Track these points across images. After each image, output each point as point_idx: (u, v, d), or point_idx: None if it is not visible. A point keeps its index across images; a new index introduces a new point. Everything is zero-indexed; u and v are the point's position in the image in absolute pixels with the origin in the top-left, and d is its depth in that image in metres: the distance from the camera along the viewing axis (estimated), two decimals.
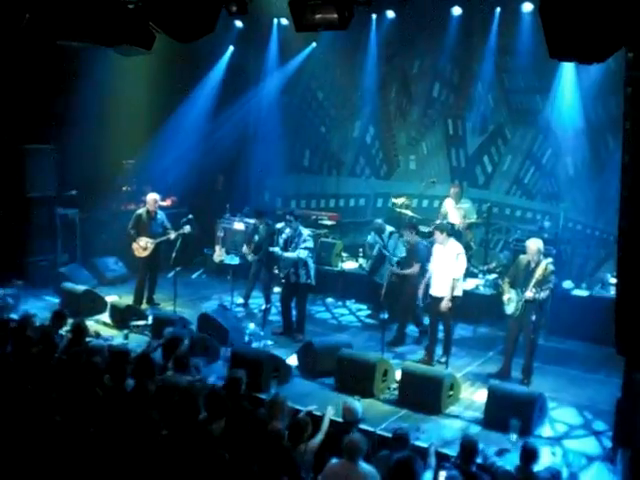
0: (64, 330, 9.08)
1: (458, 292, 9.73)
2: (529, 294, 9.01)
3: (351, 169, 15.70)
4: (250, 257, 12.06)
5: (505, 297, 9.31)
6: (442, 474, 6.07)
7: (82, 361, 7.42)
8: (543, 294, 9.01)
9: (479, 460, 6.43)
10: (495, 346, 10.53)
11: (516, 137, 13.77)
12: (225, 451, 5.85)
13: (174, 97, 14.62)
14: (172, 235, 11.84)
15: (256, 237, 12.08)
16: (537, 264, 9.10)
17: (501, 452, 7.18)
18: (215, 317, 10.41)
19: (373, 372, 8.78)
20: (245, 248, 12.20)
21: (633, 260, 6.62)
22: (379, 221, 11.94)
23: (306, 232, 10.88)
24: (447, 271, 9.65)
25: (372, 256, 11.86)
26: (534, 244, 9.19)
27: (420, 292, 10.06)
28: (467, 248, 12.12)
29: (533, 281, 9.02)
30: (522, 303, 9.09)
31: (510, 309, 9.25)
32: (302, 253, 10.59)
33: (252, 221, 12.88)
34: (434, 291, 9.84)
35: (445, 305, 9.57)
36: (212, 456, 5.78)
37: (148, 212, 11.98)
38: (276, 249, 10.82)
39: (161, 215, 12.13)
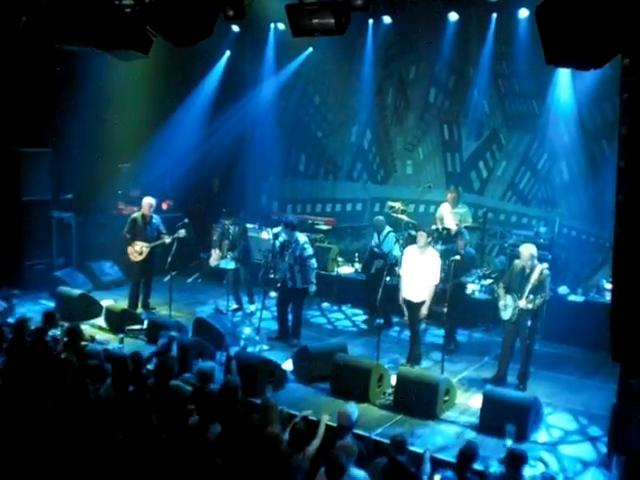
0: (57, 333, 9.07)
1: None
2: (523, 303, 9.00)
3: (348, 174, 15.72)
4: (230, 256, 12.00)
5: (501, 303, 9.30)
6: (437, 477, 6.06)
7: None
8: (538, 301, 8.98)
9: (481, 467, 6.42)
10: (490, 351, 10.52)
11: (511, 142, 13.80)
12: (220, 457, 5.83)
13: (171, 101, 14.65)
14: (167, 239, 11.79)
15: (226, 241, 12.11)
16: (532, 269, 9.09)
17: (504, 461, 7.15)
18: (210, 321, 10.40)
19: (368, 377, 8.77)
20: (215, 253, 12.20)
21: (629, 266, 6.61)
22: (380, 218, 12.04)
23: (303, 239, 10.86)
24: (424, 277, 9.68)
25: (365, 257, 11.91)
26: (526, 249, 9.17)
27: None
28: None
29: (529, 287, 8.99)
30: (518, 309, 9.09)
31: (506, 315, 9.24)
32: (313, 263, 10.68)
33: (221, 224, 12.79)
34: (410, 296, 9.84)
35: (424, 312, 9.65)
36: (206, 461, 5.77)
37: (143, 216, 11.92)
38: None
39: (156, 219, 12.08)
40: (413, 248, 9.98)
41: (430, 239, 9.88)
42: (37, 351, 7.93)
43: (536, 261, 9.16)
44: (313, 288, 10.72)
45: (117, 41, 8.77)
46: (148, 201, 11.96)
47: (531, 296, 8.96)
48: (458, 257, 10.07)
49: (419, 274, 9.73)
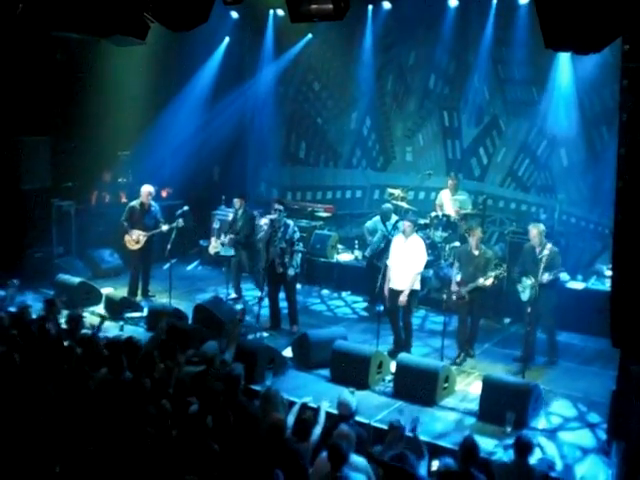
0: (61, 322, 9.07)
1: (417, 286, 9.77)
2: (545, 277, 9.09)
3: (348, 161, 15.68)
4: (227, 241, 11.97)
5: (519, 286, 9.45)
6: (435, 463, 6.07)
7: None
8: (558, 274, 9.29)
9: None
10: (491, 338, 10.55)
11: (511, 129, 13.74)
12: (217, 443, 5.83)
13: (170, 88, 14.60)
14: (164, 228, 11.75)
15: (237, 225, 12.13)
16: (543, 247, 9.25)
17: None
18: (210, 308, 10.40)
19: (368, 364, 8.78)
20: (223, 237, 12.19)
21: (629, 252, 6.61)
22: (389, 206, 11.95)
23: (291, 223, 10.85)
24: (407, 265, 9.64)
25: (373, 242, 11.80)
26: (534, 228, 9.41)
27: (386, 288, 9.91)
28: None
29: (542, 265, 9.12)
30: (536, 288, 9.12)
31: (525, 296, 9.37)
32: (302, 246, 10.72)
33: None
34: (396, 285, 9.75)
35: (403, 299, 9.57)
36: (203, 448, 5.77)
37: (142, 204, 11.89)
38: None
39: (155, 207, 12.05)
40: (400, 237, 9.94)
41: (416, 228, 9.86)
42: (38, 339, 7.92)
43: (545, 239, 9.33)
44: (292, 272, 10.60)
45: (114, 27, 8.74)
46: (147, 189, 11.92)
47: (547, 273, 9.09)
48: (457, 243, 10.06)
49: (405, 263, 9.68)
